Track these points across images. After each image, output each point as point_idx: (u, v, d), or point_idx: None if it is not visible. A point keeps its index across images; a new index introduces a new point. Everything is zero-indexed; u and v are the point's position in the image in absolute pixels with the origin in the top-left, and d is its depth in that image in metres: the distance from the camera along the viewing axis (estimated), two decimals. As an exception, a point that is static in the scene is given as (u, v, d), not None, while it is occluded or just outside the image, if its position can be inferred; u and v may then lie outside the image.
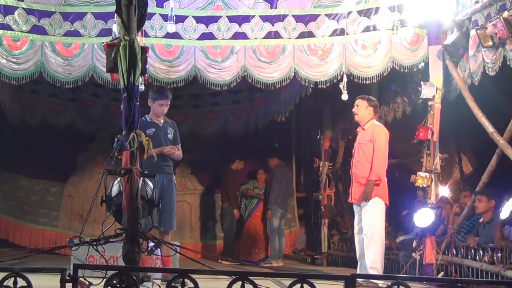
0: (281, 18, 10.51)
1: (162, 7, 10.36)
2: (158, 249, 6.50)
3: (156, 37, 10.43)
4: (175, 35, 10.45)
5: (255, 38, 10.52)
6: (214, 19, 10.51)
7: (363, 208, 9.08)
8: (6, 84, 11.35)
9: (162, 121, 8.99)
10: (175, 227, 9.10)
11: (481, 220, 9.65)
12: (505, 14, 8.03)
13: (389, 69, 10.37)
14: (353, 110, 9.42)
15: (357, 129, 9.53)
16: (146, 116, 8.95)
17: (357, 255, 9.32)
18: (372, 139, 9.15)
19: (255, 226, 14.58)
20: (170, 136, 9.00)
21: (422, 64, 10.29)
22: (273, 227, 13.99)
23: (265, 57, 10.53)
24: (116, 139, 5.96)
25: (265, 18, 10.51)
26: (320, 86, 10.67)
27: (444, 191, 11.17)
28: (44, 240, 15.00)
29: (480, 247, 8.97)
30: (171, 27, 10.16)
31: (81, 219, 14.92)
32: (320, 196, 14.38)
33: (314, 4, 10.51)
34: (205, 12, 10.54)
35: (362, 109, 9.32)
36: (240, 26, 10.51)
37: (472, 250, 9.12)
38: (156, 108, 8.95)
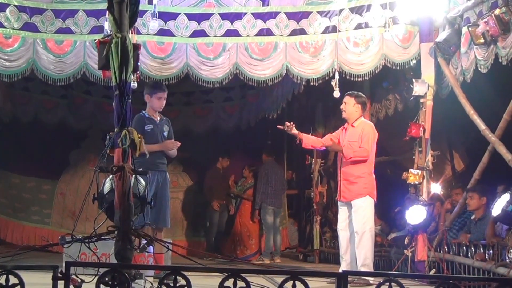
0: (273, 15, 10.52)
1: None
2: (150, 247, 6.49)
3: (148, 34, 10.43)
4: (167, 33, 10.46)
5: (247, 36, 10.52)
6: (206, 16, 10.52)
7: (353, 206, 9.10)
8: (-3, 81, 11.33)
9: (158, 118, 9.04)
10: (169, 225, 9.15)
11: (472, 217, 9.66)
12: (497, 11, 8.05)
13: (381, 67, 10.40)
14: (341, 107, 9.36)
15: (344, 126, 9.44)
16: (144, 111, 9.01)
17: (341, 251, 9.34)
18: (362, 136, 9.10)
19: (240, 224, 14.68)
20: (165, 134, 9.05)
21: (414, 61, 10.32)
22: (268, 224, 14.05)
23: (257, 55, 10.55)
24: (108, 137, 5.95)
25: (257, 16, 10.52)
26: (312, 84, 10.69)
27: (436, 188, 11.19)
28: (36, 237, 15.03)
29: (472, 244, 8.99)
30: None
31: (73, 216, 14.89)
32: (312, 193, 14.38)
33: (306, 2, 10.53)
34: (197, 9, 10.55)
35: (350, 106, 9.24)
36: (232, 24, 10.52)
37: (464, 247, 9.14)
38: (154, 103, 9.01)
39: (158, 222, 8.63)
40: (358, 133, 9.16)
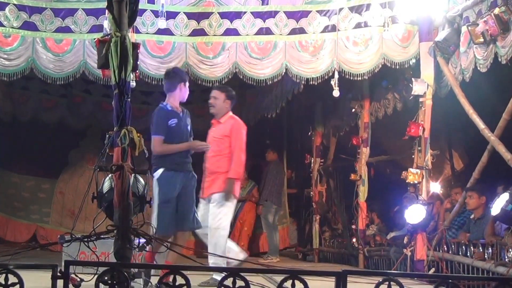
0: (272, 14, 10.51)
1: (154, 3, 10.35)
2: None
3: (147, 33, 10.44)
4: (167, 32, 10.46)
5: (247, 35, 10.52)
6: (206, 15, 10.51)
7: (212, 200, 8.72)
8: (-3, 80, 11.33)
9: (180, 109, 8.34)
10: (192, 227, 8.34)
11: (472, 216, 9.67)
12: (496, 10, 8.04)
13: (380, 66, 10.39)
14: (210, 101, 9.11)
15: (212, 121, 9.18)
16: (166, 104, 8.27)
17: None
18: (229, 134, 8.84)
19: (242, 226, 14.63)
20: (189, 127, 8.39)
21: (413, 60, 10.31)
22: (269, 222, 14.04)
23: (257, 54, 10.54)
24: (107, 136, 5.94)
25: (256, 15, 10.51)
26: (311, 83, 10.68)
27: (435, 187, 11.18)
28: (36, 236, 15.04)
29: (471, 243, 8.99)
30: (161, 23, 10.17)
31: (72, 215, 14.92)
32: (311, 193, 14.40)
33: (305, 1, 10.52)
34: (196, 8, 10.54)
35: (220, 102, 9.02)
36: (231, 23, 10.51)
37: (463, 246, 9.14)
38: (184, 91, 8.34)
39: (189, 224, 8.08)
40: (225, 129, 8.89)
